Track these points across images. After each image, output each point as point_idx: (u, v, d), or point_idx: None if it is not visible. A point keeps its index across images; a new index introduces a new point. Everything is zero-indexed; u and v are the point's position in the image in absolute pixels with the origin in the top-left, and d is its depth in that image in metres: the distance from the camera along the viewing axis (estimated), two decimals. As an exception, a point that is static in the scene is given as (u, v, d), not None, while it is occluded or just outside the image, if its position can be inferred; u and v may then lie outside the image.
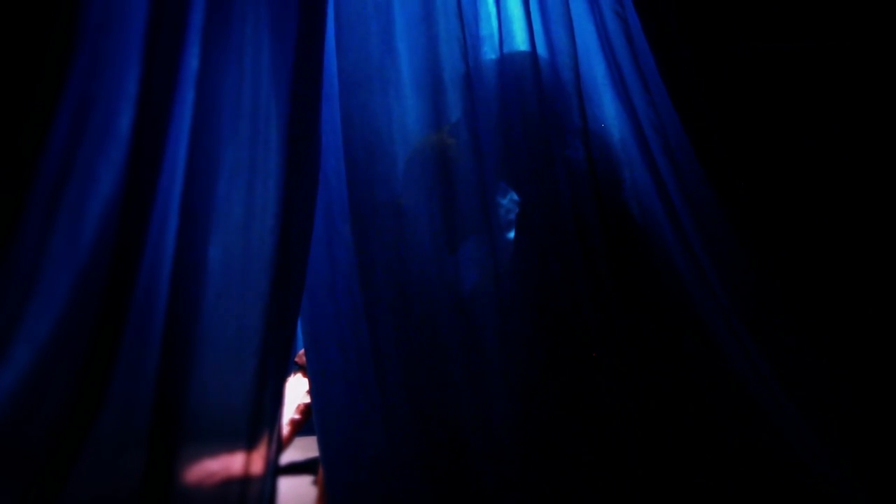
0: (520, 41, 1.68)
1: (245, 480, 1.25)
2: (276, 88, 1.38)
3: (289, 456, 2.00)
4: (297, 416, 1.97)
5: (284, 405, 1.44)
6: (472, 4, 1.66)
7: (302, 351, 1.88)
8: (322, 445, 1.49)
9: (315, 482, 1.83)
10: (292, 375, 1.98)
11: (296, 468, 1.97)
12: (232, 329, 1.30)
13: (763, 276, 1.69)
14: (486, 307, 1.52)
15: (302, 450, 2.01)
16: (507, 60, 1.67)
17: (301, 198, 1.39)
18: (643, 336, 1.63)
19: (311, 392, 1.53)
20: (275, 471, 1.28)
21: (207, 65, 1.33)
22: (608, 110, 1.77)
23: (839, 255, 1.95)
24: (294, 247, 1.37)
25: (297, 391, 1.96)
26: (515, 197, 1.64)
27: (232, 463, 1.26)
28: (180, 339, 1.26)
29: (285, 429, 1.94)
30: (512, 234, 1.63)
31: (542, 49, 1.70)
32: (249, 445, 1.26)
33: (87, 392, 1.20)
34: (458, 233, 1.54)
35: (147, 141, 1.27)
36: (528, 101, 1.64)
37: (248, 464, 1.25)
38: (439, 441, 1.49)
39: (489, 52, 1.67)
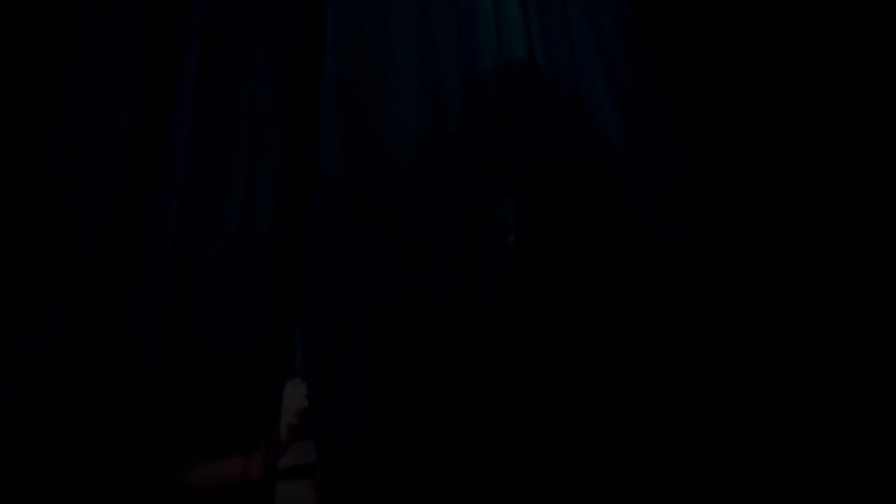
0: (518, 47, 1.68)
1: (243, 485, 1.25)
2: (275, 93, 1.39)
3: (287, 460, 2.00)
4: (295, 421, 1.96)
5: (283, 410, 1.44)
6: (471, 9, 1.66)
7: (300, 355, 1.88)
8: (320, 450, 1.49)
9: (313, 487, 1.83)
10: (291, 380, 1.98)
11: (294, 473, 1.97)
12: (230, 333, 1.31)
13: (771, 291, 1.70)
14: (485, 312, 1.53)
15: (300, 454, 2.01)
16: (506, 66, 1.67)
17: (300, 203, 1.39)
18: (640, 339, 1.64)
19: (310, 397, 1.53)
20: (273, 475, 1.28)
21: (207, 70, 1.33)
22: (607, 116, 1.77)
23: (836, 258, 1.95)
24: (292, 251, 1.37)
25: (295, 396, 1.96)
26: (513, 202, 1.65)
27: (230, 467, 1.26)
28: (178, 343, 1.26)
29: (283, 433, 1.93)
30: (510, 240, 1.63)
31: (540, 54, 1.70)
32: (247, 450, 1.26)
33: (84, 395, 1.20)
34: (457, 238, 1.55)
35: (146, 146, 1.27)
36: (526, 106, 1.64)
37: (246, 468, 1.25)
38: (438, 445, 1.49)
39: (487, 58, 1.67)
